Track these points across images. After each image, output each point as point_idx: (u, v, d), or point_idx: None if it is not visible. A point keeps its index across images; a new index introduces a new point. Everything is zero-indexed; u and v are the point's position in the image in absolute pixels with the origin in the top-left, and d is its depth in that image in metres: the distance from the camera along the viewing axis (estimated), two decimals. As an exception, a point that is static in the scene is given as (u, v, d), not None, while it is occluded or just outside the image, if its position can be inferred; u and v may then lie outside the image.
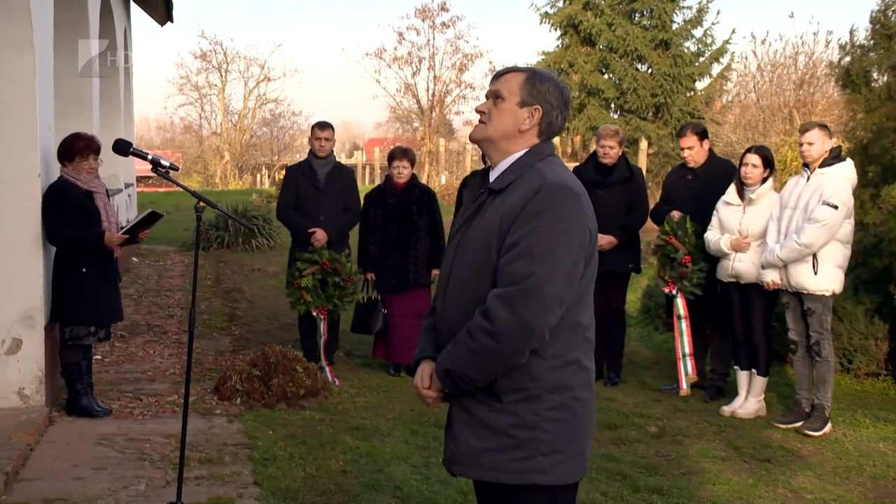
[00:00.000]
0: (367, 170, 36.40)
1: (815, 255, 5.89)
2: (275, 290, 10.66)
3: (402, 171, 7.25)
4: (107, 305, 5.85)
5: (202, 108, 41.74)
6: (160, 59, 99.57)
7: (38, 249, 5.72)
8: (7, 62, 5.60)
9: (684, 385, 6.91)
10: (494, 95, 2.73)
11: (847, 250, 6.02)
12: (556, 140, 2.78)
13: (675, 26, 24.38)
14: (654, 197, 9.36)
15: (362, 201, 7.46)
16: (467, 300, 2.62)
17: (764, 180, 6.31)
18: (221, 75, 40.85)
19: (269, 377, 6.22)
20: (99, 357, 7.22)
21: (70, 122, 8.13)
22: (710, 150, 7.07)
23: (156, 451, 5.18)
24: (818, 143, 5.97)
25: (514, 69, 2.75)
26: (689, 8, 24.53)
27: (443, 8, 30.84)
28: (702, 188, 6.78)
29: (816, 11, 43.28)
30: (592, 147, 7.93)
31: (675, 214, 6.82)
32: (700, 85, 24.66)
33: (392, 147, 7.99)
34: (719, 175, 6.73)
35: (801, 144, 6.07)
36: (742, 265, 6.32)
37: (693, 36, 24.59)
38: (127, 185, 13.14)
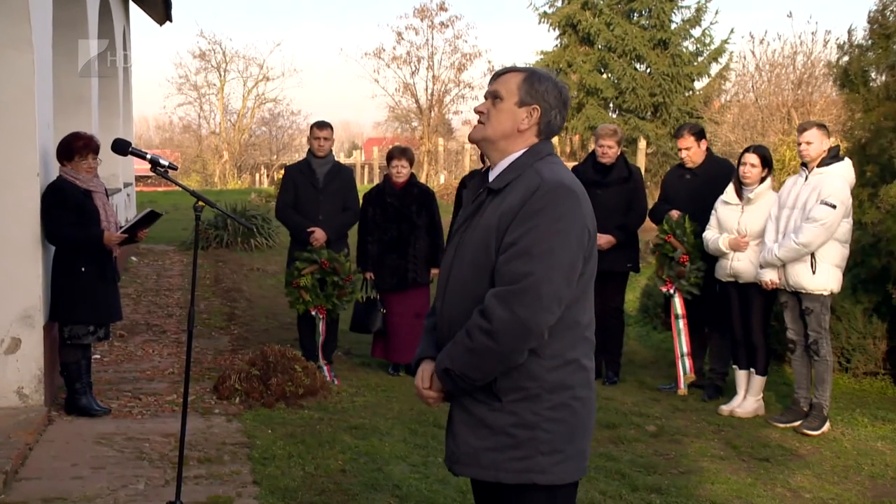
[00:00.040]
0: (366, 169, 36.42)
1: (813, 255, 5.90)
2: (274, 290, 10.66)
3: (401, 171, 7.26)
4: (106, 305, 5.85)
5: (201, 108, 41.74)
6: (159, 59, 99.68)
7: (37, 249, 5.72)
8: (6, 61, 5.60)
9: (682, 385, 6.92)
10: (493, 96, 2.73)
11: (845, 250, 6.03)
12: (555, 140, 2.79)
13: (673, 26, 24.39)
14: (652, 196, 9.38)
15: (361, 201, 7.47)
16: (466, 300, 2.62)
17: (762, 180, 6.31)
18: (220, 75, 40.84)
19: (268, 376, 6.22)
20: (98, 356, 7.23)
21: (69, 122, 8.14)
22: (708, 149, 7.07)
23: (155, 451, 5.18)
24: (816, 143, 5.98)
25: (513, 69, 2.75)
26: (688, 8, 24.55)
27: (441, 7, 30.84)
28: (700, 188, 6.79)
29: (815, 11, 43.44)
30: (591, 147, 7.93)
31: (675, 214, 6.83)
32: (698, 84, 24.67)
33: (391, 146, 7.98)
34: (718, 174, 6.74)
35: (800, 144, 6.08)
36: (740, 264, 6.32)
37: (691, 35, 24.60)
38: (126, 185, 13.14)
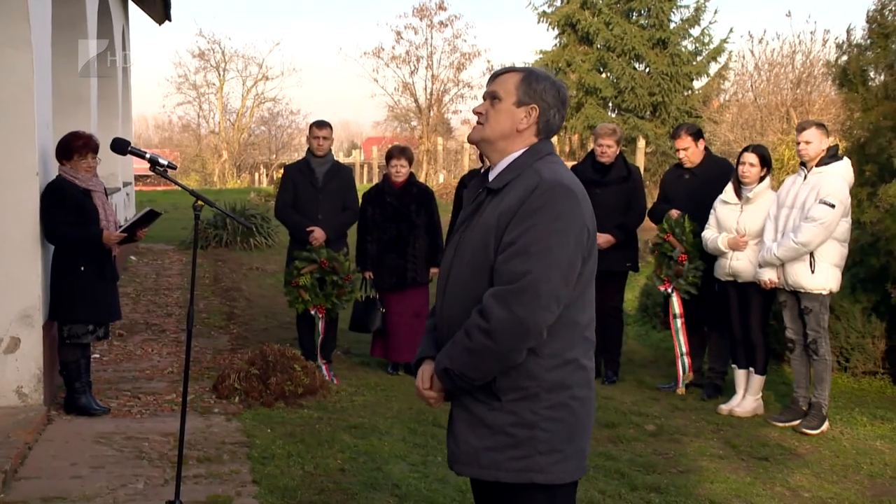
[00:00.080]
0: (366, 168, 36.42)
1: (812, 254, 5.90)
2: (273, 289, 10.66)
3: (401, 170, 7.26)
4: (105, 304, 5.85)
5: (200, 107, 41.79)
6: (158, 58, 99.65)
7: (37, 248, 5.72)
8: (5, 60, 5.60)
9: (681, 384, 6.93)
10: (491, 96, 2.73)
11: (844, 249, 6.03)
12: (554, 139, 2.79)
13: (672, 25, 24.36)
14: (651, 196, 9.37)
15: (360, 200, 7.47)
16: (466, 299, 2.62)
17: (761, 179, 6.32)
18: (219, 74, 40.89)
19: (268, 376, 6.22)
20: (97, 356, 7.22)
21: (68, 121, 8.14)
22: (707, 148, 7.08)
23: (154, 450, 5.18)
24: (815, 142, 5.98)
25: (510, 69, 2.76)
26: (687, 7, 24.53)
27: (441, 7, 30.85)
28: (699, 187, 6.79)
29: (814, 10, 43.37)
30: (590, 146, 7.94)
31: (674, 213, 6.83)
32: (697, 84, 24.64)
33: (390, 146, 7.99)
34: (716, 174, 6.74)
35: (799, 143, 6.08)
36: (739, 264, 6.33)
37: (690, 35, 24.58)
38: (125, 184, 13.14)
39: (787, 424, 6.15)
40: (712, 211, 6.52)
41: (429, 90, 31.51)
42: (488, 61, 32.85)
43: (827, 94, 17.19)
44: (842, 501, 4.88)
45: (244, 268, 12.37)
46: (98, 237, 5.69)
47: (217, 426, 5.66)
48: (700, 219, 6.64)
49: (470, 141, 2.88)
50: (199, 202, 4.17)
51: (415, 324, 7.09)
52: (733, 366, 6.60)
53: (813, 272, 5.92)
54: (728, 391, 6.74)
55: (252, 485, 4.68)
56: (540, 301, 2.49)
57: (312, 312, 7.05)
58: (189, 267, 11.49)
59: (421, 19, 30.88)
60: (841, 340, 7.11)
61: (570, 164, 8.31)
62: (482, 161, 6.12)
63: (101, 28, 10.18)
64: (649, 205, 7.34)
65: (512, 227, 2.55)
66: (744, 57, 22.05)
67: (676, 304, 6.83)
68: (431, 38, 31.05)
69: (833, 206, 5.81)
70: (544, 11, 25.44)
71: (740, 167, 6.34)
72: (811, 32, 28.04)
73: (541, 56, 25.72)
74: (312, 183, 7.25)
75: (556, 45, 25.72)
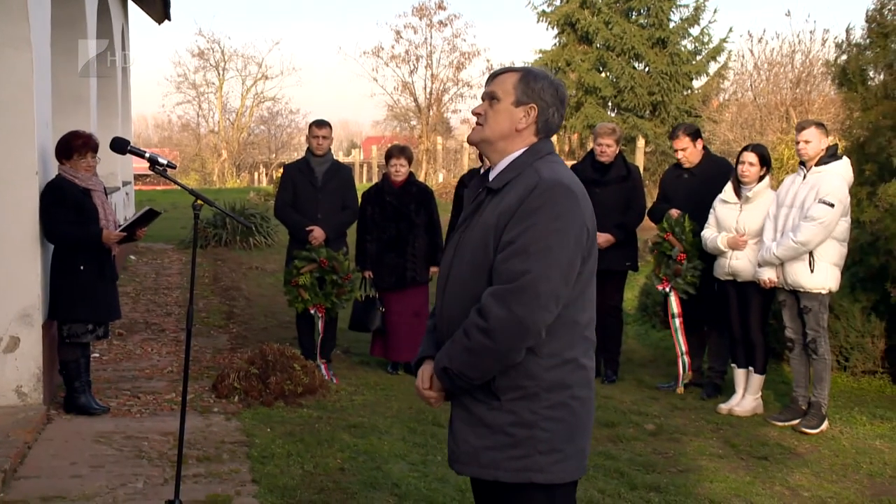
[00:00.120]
0: (365, 168, 36.44)
1: (811, 253, 5.90)
2: (272, 288, 10.66)
3: (400, 169, 7.26)
4: (104, 303, 5.85)
5: (200, 107, 41.81)
6: (158, 58, 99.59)
7: (36, 247, 5.72)
8: (5, 60, 5.60)
9: (680, 383, 6.94)
10: (489, 97, 2.73)
11: (843, 248, 6.03)
12: (554, 138, 2.79)
13: (671, 25, 24.35)
14: (651, 195, 9.38)
15: (360, 199, 7.47)
16: (466, 299, 2.62)
17: (761, 178, 6.32)
18: (219, 73, 40.92)
19: (267, 375, 6.22)
20: (97, 355, 7.22)
21: (68, 120, 8.14)
22: (706, 148, 7.08)
23: (154, 449, 5.18)
24: (815, 142, 5.98)
25: (508, 69, 2.76)
26: (686, 6, 24.52)
27: (440, 6, 30.85)
28: (698, 187, 6.80)
29: (813, 10, 43.36)
30: (590, 145, 7.94)
31: (675, 213, 6.83)
32: (697, 83, 24.63)
33: (390, 145, 7.98)
34: (715, 173, 6.74)
35: (798, 142, 6.08)
36: (739, 263, 6.33)
37: (690, 34, 24.56)
38: (125, 183, 13.14)
39: (786, 424, 6.15)
40: (712, 210, 6.52)
41: (428, 89, 31.53)
42: (488, 60, 32.95)
43: (826, 93, 17.21)
44: (841, 501, 4.89)
45: (244, 267, 12.37)
46: (98, 236, 5.69)
47: (216, 425, 5.67)
48: (699, 218, 6.64)
49: (470, 142, 2.88)
50: (199, 201, 4.16)
51: (414, 323, 7.10)
52: (733, 365, 6.60)
53: (812, 271, 5.92)
54: (727, 390, 6.74)
55: (251, 484, 4.68)
56: (539, 300, 2.49)
57: (312, 312, 7.05)
58: (188, 266, 11.49)
59: (420, 19, 30.91)
60: (840, 340, 7.11)
61: (569, 163, 8.31)
62: (482, 161, 6.12)
63: (100, 27, 10.18)
64: (649, 204, 7.34)
65: (511, 226, 2.55)
66: (743, 56, 22.12)
67: (674, 304, 6.83)
68: (431, 37, 31.08)
69: (832, 205, 5.81)
70: (544, 11, 25.43)
71: (740, 166, 6.34)
72: (811, 32, 28.02)
73: (540, 55, 25.70)
74: (312, 182, 7.25)
75: (555, 44, 25.70)
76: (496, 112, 2.71)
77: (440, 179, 26.70)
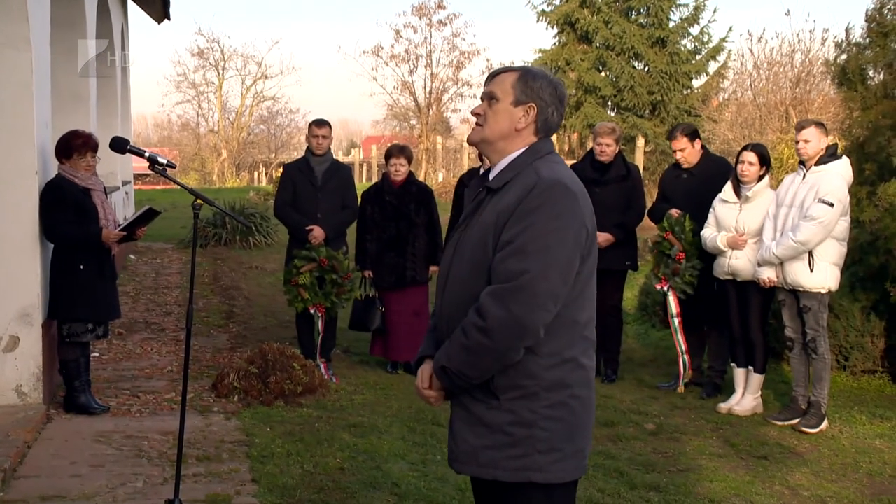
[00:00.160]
0: (365, 167, 36.41)
1: (811, 253, 5.90)
2: (272, 288, 10.67)
3: (400, 169, 7.26)
4: (104, 302, 5.86)
5: (199, 106, 41.80)
6: (157, 57, 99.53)
7: (36, 247, 5.72)
8: (4, 60, 5.60)
9: (680, 383, 6.94)
10: (488, 97, 2.73)
11: (843, 248, 6.03)
12: (553, 138, 2.79)
13: (671, 24, 24.36)
14: (650, 194, 9.38)
15: (360, 199, 7.47)
16: (465, 298, 2.62)
17: (760, 178, 6.32)
18: (219, 73, 40.92)
19: (267, 374, 6.22)
20: (97, 354, 7.22)
21: (67, 120, 8.14)
22: (704, 148, 7.08)
23: (153, 449, 5.19)
24: (814, 141, 5.98)
25: (507, 69, 2.75)
26: (686, 6, 24.53)
27: (440, 6, 30.82)
28: (697, 186, 6.80)
29: (813, 9, 43.35)
30: (589, 145, 7.94)
31: (675, 212, 6.83)
32: (697, 83, 24.65)
33: (389, 145, 7.99)
34: (715, 173, 6.74)
35: (798, 142, 6.08)
36: (738, 262, 6.33)
37: (690, 34, 24.58)
38: (124, 183, 13.13)
39: (786, 423, 6.15)
40: (711, 210, 6.52)
41: (428, 89, 31.52)
42: (487, 60, 32.92)
43: (826, 92, 17.21)
44: (841, 500, 4.89)
45: (243, 266, 12.37)
46: (97, 236, 5.69)
47: (216, 425, 5.67)
48: (699, 218, 6.64)
49: (469, 142, 2.88)
50: (199, 201, 4.16)
51: (414, 323, 7.10)
52: (732, 364, 6.60)
53: (812, 271, 5.92)
54: (727, 390, 6.74)
55: (251, 483, 4.68)
56: (537, 300, 2.49)
57: (312, 311, 7.05)
58: (188, 265, 11.49)
59: (420, 18, 30.89)
60: (840, 339, 7.11)
61: (569, 162, 8.31)
62: (481, 160, 6.12)
63: (100, 27, 10.18)
64: (648, 204, 7.34)
65: (510, 225, 2.55)
66: (743, 56, 22.07)
67: (672, 304, 6.83)
68: (431, 36, 31.07)
69: (832, 204, 5.81)
70: (543, 10, 25.43)
71: (739, 166, 6.34)
72: (810, 31, 27.96)
73: (540, 55, 25.71)
74: (312, 182, 7.25)
75: (555, 43, 25.71)
76: (495, 112, 2.71)
77: (440, 179, 26.71)
